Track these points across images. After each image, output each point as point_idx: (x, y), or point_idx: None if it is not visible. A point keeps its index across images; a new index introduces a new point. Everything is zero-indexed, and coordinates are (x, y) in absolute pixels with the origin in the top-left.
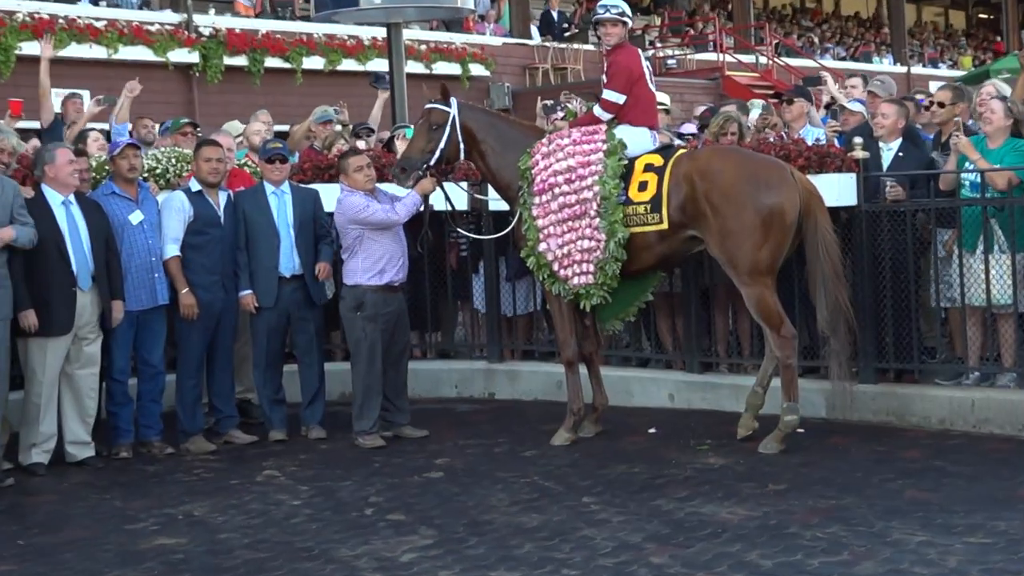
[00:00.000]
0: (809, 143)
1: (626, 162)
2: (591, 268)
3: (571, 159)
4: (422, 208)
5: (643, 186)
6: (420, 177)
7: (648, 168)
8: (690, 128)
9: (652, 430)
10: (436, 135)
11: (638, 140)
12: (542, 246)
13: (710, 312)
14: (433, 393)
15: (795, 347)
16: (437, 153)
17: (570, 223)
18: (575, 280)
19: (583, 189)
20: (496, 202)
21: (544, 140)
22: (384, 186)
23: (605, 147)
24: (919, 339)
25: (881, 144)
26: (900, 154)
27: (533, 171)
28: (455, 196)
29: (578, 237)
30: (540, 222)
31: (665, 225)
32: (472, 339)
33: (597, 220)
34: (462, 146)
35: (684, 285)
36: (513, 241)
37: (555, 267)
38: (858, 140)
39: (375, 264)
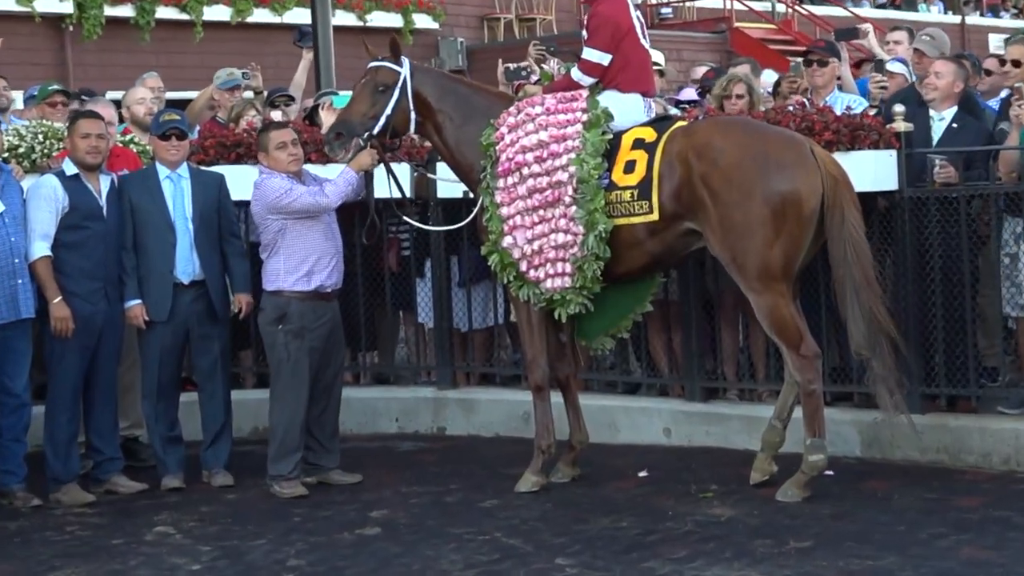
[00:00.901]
0: (838, 112)
1: (611, 137)
2: (567, 268)
3: (543, 132)
4: (361, 192)
5: (630, 167)
6: (359, 148)
7: (637, 145)
8: (690, 94)
9: (643, 473)
10: (382, 99)
11: (627, 109)
12: (507, 240)
13: (715, 325)
14: (369, 428)
15: (819, 369)
16: (382, 120)
17: (541, 212)
18: (548, 283)
19: (557, 170)
20: (447, 187)
21: (512, 109)
22: (312, 168)
23: (585, 118)
24: (977, 358)
25: (931, 113)
26: (954, 125)
27: (498, 147)
28: (399, 177)
29: (551, 230)
30: (505, 210)
31: (656, 216)
32: (417, 360)
33: (573, 208)
34: (413, 116)
35: (683, 291)
36: (474, 235)
37: (523, 267)
38: (900, 108)
39: (301, 264)
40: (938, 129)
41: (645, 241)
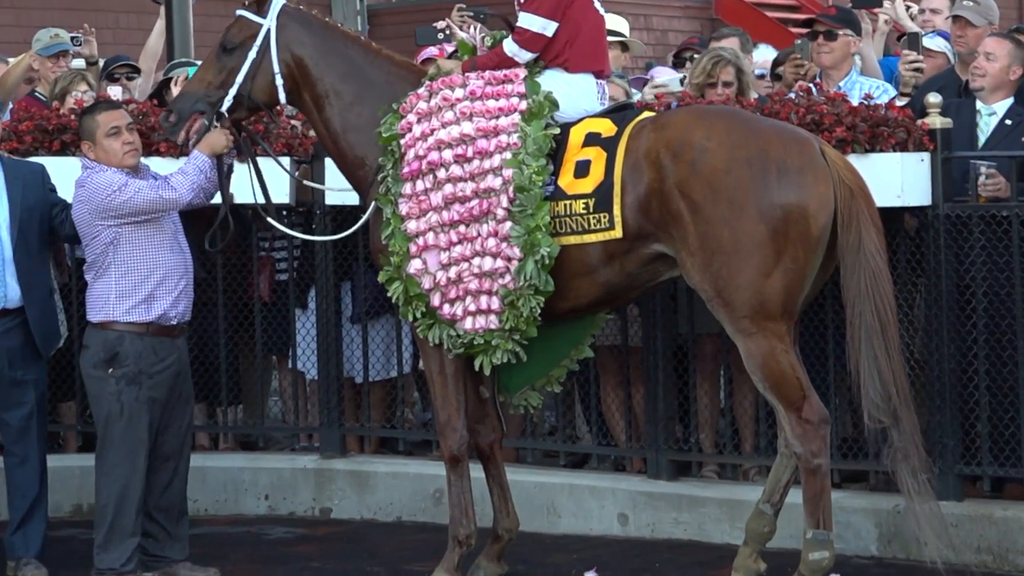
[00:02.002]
0: (854, 102)
1: (557, 131)
2: (495, 303)
3: (466, 123)
4: (216, 187)
5: (583, 169)
6: (205, 129)
7: (592, 141)
8: (664, 74)
9: (590, 574)
10: (234, 61)
11: (576, 95)
12: (415, 264)
13: (689, 380)
14: (230, 508)
15: (826, 439)
16: (233, 90)
17: (462, 228)
18: (468, 322)
19: (486, 173)
20: (340, 192)
21: (423, 90)
22: (156, 162)
23: (524, 106)
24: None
25: (978, 105)
26: (1008, 122)
27: (404, 141)
28: (273, 177)
29: (475, 252)
30: (413, 225)
31: (618, 233)
32: (295, 419)
33: (507, 225)
34: (280, 83)
35: (647, 335)
36: (367, 254)
37: (435, 300)
38: (935, 98)
39: (138, 287)
40: (986, 127)
41: (600, 268)
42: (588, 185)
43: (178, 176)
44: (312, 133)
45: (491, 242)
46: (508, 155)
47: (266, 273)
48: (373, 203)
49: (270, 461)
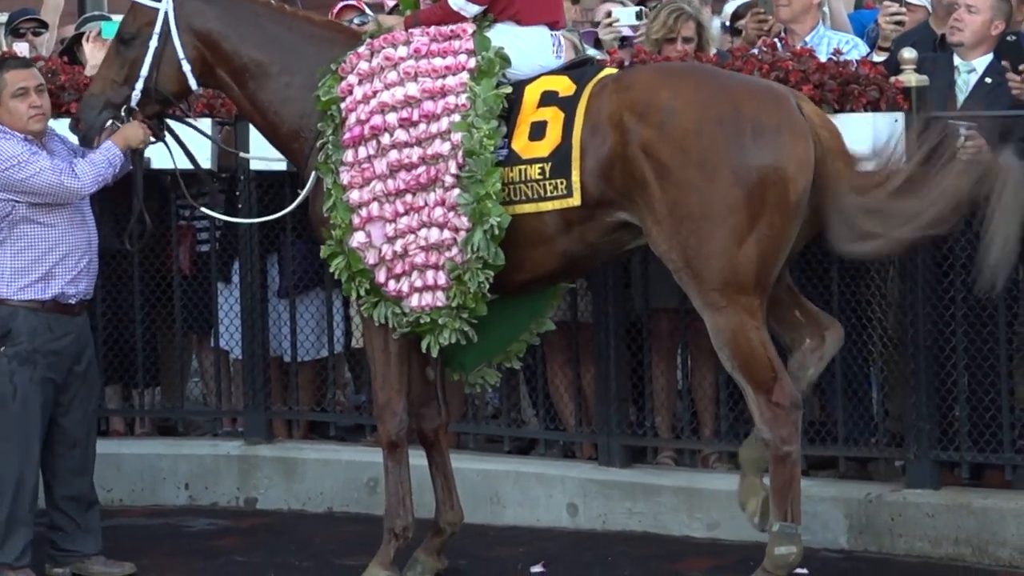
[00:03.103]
0: (822, 58)
1: (509, 90)
2: (442, 279)
3: (411, 84)
4: (127, 170)
5: (538, 132)
6: (113, 129)
7: (548, 100)
8: (621, 24)
9: (538, 569)
10: (135, 53)
11: (529, 50)
12: (358, 237)
13: (643, 358)
14: (146, 498)
15: (799, 426)
16: (139, 84)
17: (408, 198)
18: (414, 299)
19: (433, 138)
20: (264, 160)
21: (363, 49)
22: (65, 125)
23: (472, 63)
24: (1013, 411)
25: (956, 62)
26: (988, 80)
27: (344, 105)
28: (191, 142)
29: (421, 223)
30: (356, 195)
31: (576, 201)
32: (217, 402)
33: (456, 193)
34: (188, 69)
35: (597, 310)
36: (303, 225)
37: (380, 276)
38: (910, 53)
39: (36, 264)
40: (965, 85)
41: (557, 237)
42: (544, 148)
43: (85, 165)
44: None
45: (438, 212)
46: (456, 117)
47: (186, 244)
48: (313, 175)
49: (190, 447)
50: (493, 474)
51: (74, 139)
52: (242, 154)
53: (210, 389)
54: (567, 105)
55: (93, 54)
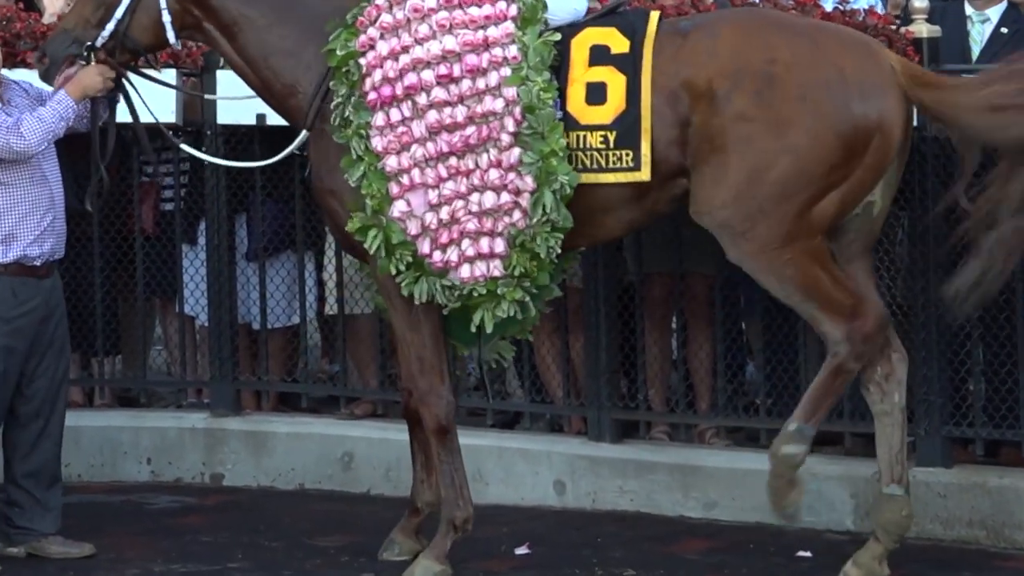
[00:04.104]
0: (828, 7)
1: (558, 37)
2: (500, 246)
3: (447, 37)
4: (83, 122)
5: (596, 94)
6: (80, 67)
7: (601, 57)
8: None
9: (523, 550)
10: None
11: None
12: (398, 207)
13: (636, 327)
14: (107, 473)
15: (876, 347)
16: (109, 28)
17: (453, 161)
18: (465, 271)
19: (483, 95)
20: (233, 107)
21: (381, 1)
22: (22, 74)
23: (514, 10)
24: None
25: (968, 11)
26: (1003, 30)
27: (365, 61)
28: (156, 93)
29: (472, 187)
30: (392, 161)
31: (646, 175)
32: (182, 371)
33: (516, 152)
34: (168, 20)
35: (587, 276)
36: (275, 184)
37: (424, 247)
38: (921, 2)
39: None
40: (979, 36)
41: (621, 207)
42: (606, 114)
43: (32, 122)
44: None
45: (493, 174)
46: (507, 71)
47: (149, 202)
48: (303, 134)
49: (153, 420)
50: (475, 449)
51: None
52: (207, 96)
53: (174, 358)
54: (626, 65)
55: (52, 2)
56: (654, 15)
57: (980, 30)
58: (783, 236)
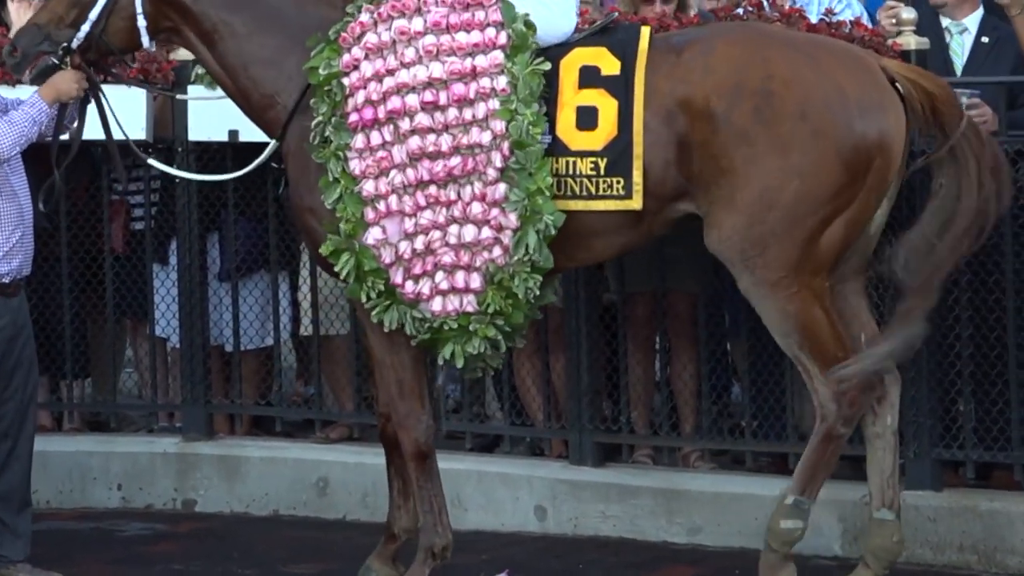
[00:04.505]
0: (813, 19)
1: (548, 67)
2: (476, 282)
3: (434, 64)
4: (51, 129)
5: (587, 119)
6: (51, 68)
7: (590, 79)
8: None
9: None
10: None
11: (555, 15)
12: (373, 234)
13: (619, 347)
14: (76, 500)
15: (863, 411)
16: (84, 29)
17: (432, 190)
18: (436, 304)
19: (469, 126)
20: (206, 123)
21: (366, 17)
22: None
23: (503, 38)
24: (1022, 404)
25: (944, 22)
26: (984, 40)
27: (349, 82)
28: (126, 109)
29: (451, 219)
30: (370, 186)
31: (637, 204)
32: (153, 394)
33: (502, 188)
34: (143, 24)
35: (568, 293)
36: (247, 203)
37: (397, 277)
38: (909, 14)
39: None
40: (960, 48)
41: (614, 232)
42: (597, 140)
43: (3, 126)
44: (172, 56)
45: (476, 208)
46: (496, 103)
47: (119, 221)
48: (272, 144)
49: (123, 444)
50: (454, 474)
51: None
52: (179, 96)
53: (145, 381)
54: (617, 88)
55: (19, 15)
56: (645, 31)
57: (960, 41)
58: (793, 264)
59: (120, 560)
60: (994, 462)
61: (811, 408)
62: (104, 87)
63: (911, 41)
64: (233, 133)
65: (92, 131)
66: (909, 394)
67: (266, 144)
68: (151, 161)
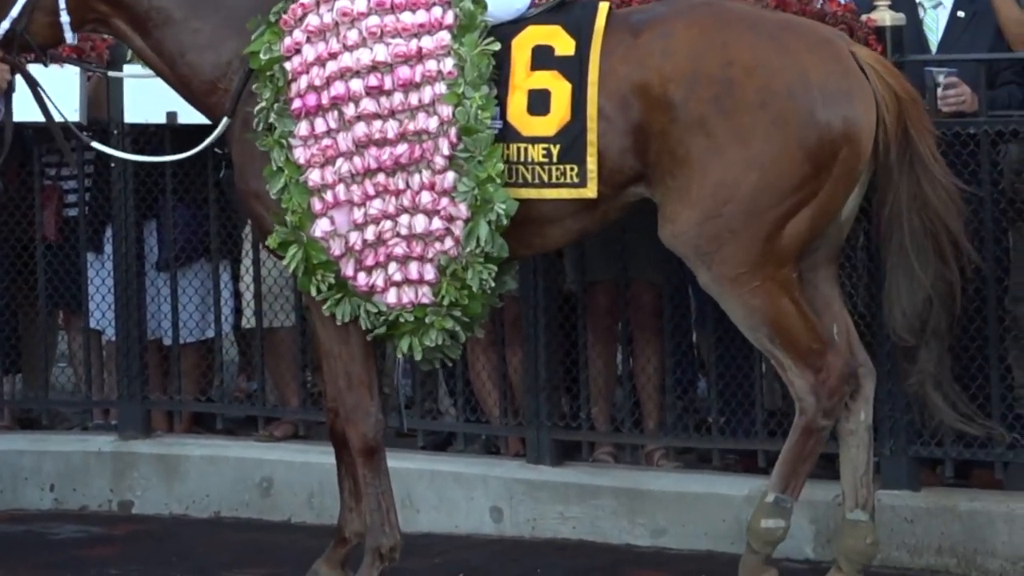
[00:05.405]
0: None
1: (497, 47)
2: (430, 273)
3: (379, 46)
4: None
5: (539, 103)
6: None
7: (543, 60)
8: None
9: None
10: None
11: None
12: (321, 225)
13: (578, 339)
14: (6, 501)
15: (844, 400)
16: (5, 24)
17: (380, 178)
18: (391, 296)
19: (416, 111)
20: (143, 105)
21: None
22: None
23: (451, 17)
24: (1005, 399)
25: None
26: (960, 14)
27: (291, 67)
28: (59, 90)
29: (400, 208)
30: (316, 175)
31: (592, 192)
32: (87, 390)
33: (450, 176)
34: (66, 21)
35: (525, 282)
36: (186, 187)
37: (348, 269)
38: None
39: None
40: (934, 23)
41: (568, 219)
42: (549, 126)
43: None
44: (107, 35)
45: (425, 197)
46: (442, 87)
47: (51, 207)
48: (224, 122)
49: (56, 443)
50: (405, 473)
51: None
52: (112, 73)
53: (79, 376)
54: (571, 70)
55: None
56: (604, 8)
57: (934, 16)
58: (753, 259)
59: (53, 564)
60: (974, 460)
61: (773, 391)
62: (34, 67)
63: (886, 17)
64: (171, 115)
65: (23, 113)
66: (885, 388)
67: (205, 126)
68: (95, 144)
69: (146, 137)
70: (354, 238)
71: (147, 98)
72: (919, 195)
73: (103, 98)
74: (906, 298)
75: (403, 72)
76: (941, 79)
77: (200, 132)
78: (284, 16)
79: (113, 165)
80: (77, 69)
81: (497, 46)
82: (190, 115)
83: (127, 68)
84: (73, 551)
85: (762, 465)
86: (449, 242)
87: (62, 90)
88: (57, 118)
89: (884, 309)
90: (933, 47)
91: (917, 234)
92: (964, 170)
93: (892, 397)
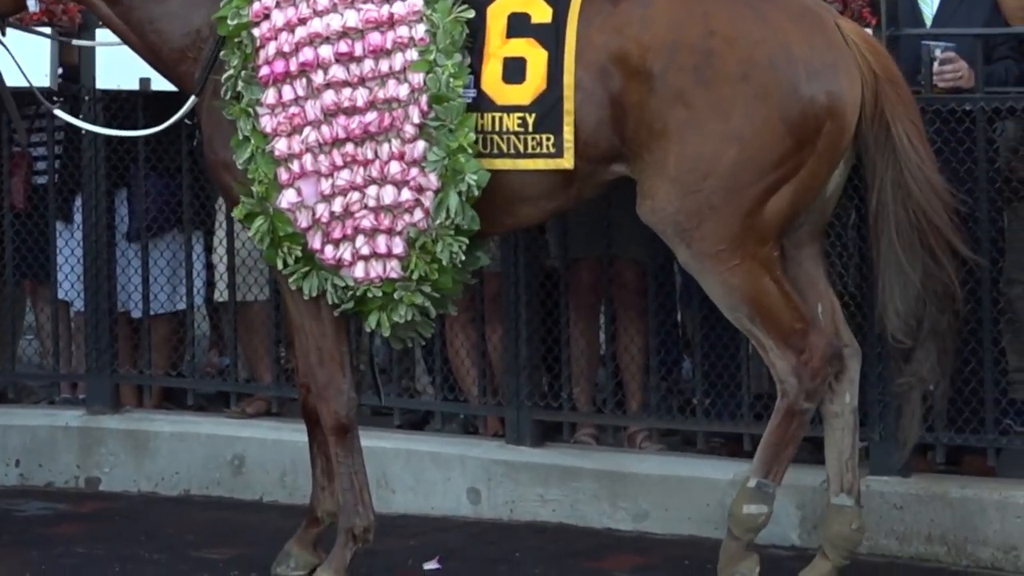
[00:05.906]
0: None
1: (472, 14)
2: (399, 246)
3: (349, 12)
4: None
5: (515, 71)
6: None
7: (519, 28)
8: None
9: (432, 565)
10: None
11: None
12: (287, 196)
13: (559, 317)
14: None
15: (827, 382)
16: None
17: (349, 148)
18: (359, 270)
19: (385, 79)
20: (115, 69)
21: None
22: None
23: None
24: (998, 385)
25: None
26: None
27: (259, 33)
28: (28, 54)
29: (369, 179)
30: (282, 144)
31: (569, 163)
32: (55, 363)
33: (420, 146)
34: None
35: (505, 258)
36: (159, 156)
37: (315, 242)
38: None
39: None
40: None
41: (544, 195)
42: (525, 94)
43: None
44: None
45: (394, 167)
46: (414, 54)
47: (19, 175)
48: (192, 99)
49: (22, 417)
50: (380, 452)
51: None
52: (75, 42)
53: (46, 348)
54: (547, 37)
55: None
56: None
57: None
58: (733, 236)
59: (18, 542)
60: (966, 446)
61: (760, 375)
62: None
63: None
64: (144, 81)
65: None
66: (875, 371)
67: (179, 93)
68: (58, 111)
69: (118, 104)
70: (321, 210)
71: (119, 64)
72: (903, 184)
73: (75, 63)
74: (899, 296)
75: (374, 38)
76: (938, 53)
77: (174, 99)
78: None
79: (84, 132)
80: (48, 32)
81: (471, 13)
82: (163, 82)
83: (99, 34)
84: (38, 528)
85: (748, 449)
86: (419, 214)
87: (32, 54)
88: (21, 83)
89: (878, 309)
90: (928, 20)
91: (904, 227)
92: (959, 148)
93: (882, 380)
